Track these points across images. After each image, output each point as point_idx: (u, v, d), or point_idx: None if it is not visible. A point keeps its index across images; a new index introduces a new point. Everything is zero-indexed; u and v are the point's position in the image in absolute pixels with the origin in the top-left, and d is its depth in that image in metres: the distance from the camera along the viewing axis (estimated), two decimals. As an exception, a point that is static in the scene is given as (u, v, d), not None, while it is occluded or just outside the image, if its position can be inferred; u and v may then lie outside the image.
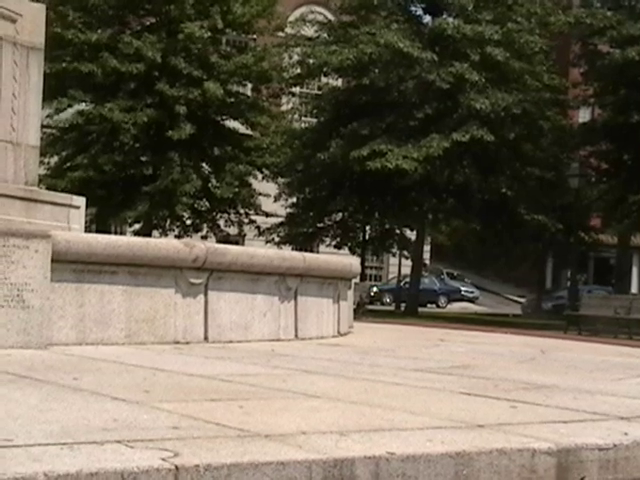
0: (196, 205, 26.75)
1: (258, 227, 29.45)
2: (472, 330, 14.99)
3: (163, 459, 2.87)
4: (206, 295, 7.94)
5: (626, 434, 3.91)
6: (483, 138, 25.22)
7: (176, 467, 2.83)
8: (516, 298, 46.56)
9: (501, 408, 4.57)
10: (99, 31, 25.67)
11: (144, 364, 5.92)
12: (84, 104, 25.67)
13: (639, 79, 25.75)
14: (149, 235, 25.44)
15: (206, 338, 7.90)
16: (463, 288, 47.41)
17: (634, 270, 45.84)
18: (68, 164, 26.49)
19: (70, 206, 9.44)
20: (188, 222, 27.99)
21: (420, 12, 29.41)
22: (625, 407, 4.83)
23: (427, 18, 29.04)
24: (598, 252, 43.05)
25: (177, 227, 28.00)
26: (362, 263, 29.68)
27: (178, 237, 26.53)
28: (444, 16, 27.64)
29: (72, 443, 3.05)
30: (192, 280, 7.77)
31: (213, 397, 4.47)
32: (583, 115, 35.80)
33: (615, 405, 4.91)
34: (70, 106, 25.70)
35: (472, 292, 47.62)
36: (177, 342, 7.59)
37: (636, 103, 25.75)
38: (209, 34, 25.32)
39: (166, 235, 27.48)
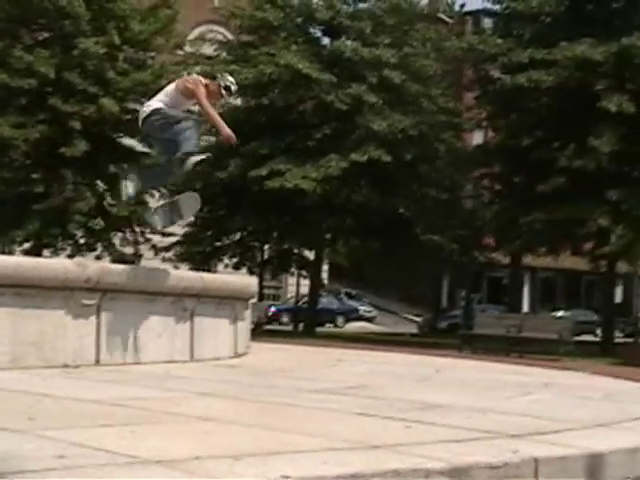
0: (90, 224, 26.10)
1: (154, 246, 28.98)
2: (370, 350, 15.09)
3: (46, 491, 2.74)
4: (99, 317, 7.72)
5: (516, 452, 3.97)
6: (381, 159, 25.60)
7: (59, 499, 2.70)
8: (413, 317, 47.27)
9: (396, 428, 4.58)
10: (-12, 45, 24.86)
11: (30, 390, 5.69)
12: (-28, 119, 24.77)
13: (529, 104, 26.64)
14: (39, 255, 24.66)
15: (98, 361, 7.67)
16: (361, 307, 47.82)
17: (525, 289, 47.30)
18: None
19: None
20: (82, 241, 27.30)
21: (319, 34, 29.74)
22: (515, 425, 4.92)
23: (326, 40, 29.39)
24: (491, 271, 44.22)
25: (70, 246, 27.27)
26: (260, 283, 29.58)
27: (70, 257, 25.80)
28: (343, 39, 28.01)
29: (-53, 476, 2.88)
30: (84, 301, 7.54)
31: (103, 423, 4.32)
32: (477, 138, 36.78)
33: (506, 423, 5.00)
34: (-42, 121, 24.75)
35: (370, 311, 48.08)
36: (67, 366, 7.33)
37: (526, 127, 26.61)
38: (105, 50, 24.88)
39: (58, 255, 26.69)
